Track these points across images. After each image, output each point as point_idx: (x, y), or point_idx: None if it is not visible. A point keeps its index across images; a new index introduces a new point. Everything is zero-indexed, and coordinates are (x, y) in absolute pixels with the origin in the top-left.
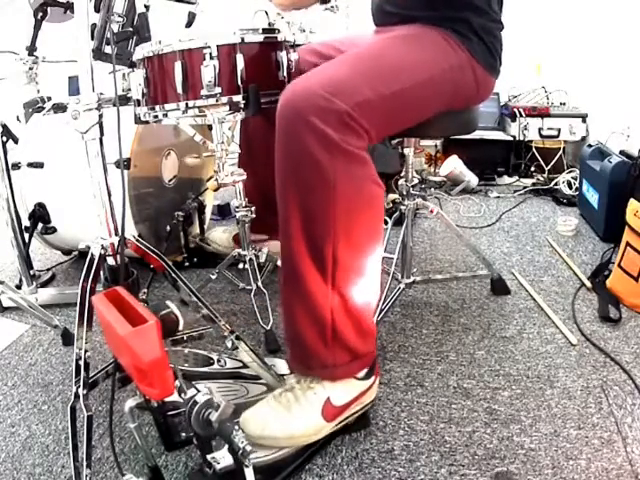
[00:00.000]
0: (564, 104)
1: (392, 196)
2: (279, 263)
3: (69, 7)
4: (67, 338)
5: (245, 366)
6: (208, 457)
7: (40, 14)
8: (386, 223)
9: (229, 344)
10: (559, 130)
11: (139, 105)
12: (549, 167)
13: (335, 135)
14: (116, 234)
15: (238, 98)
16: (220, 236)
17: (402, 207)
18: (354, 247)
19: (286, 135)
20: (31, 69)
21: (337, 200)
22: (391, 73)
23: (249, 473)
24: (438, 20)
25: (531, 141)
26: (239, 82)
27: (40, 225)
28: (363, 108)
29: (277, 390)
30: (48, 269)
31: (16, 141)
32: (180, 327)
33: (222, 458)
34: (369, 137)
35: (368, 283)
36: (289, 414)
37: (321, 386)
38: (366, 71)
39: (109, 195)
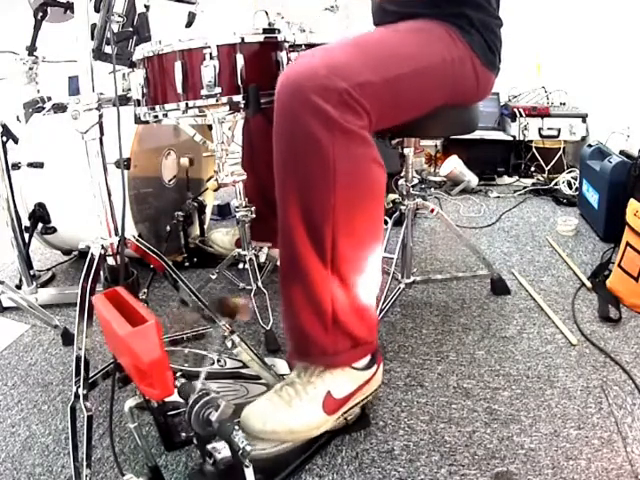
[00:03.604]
0: (564, 104)
1: (392, 196)
2: (279, 263)
3: (69, 7)
4: (67, 338)
5: (245, 366)
6: (208, 447)
7: (40, 14)
8: (386, 223)
9: (229, 344)
10: (559, 130)
11: (139, 105)
12: (549, 167)
13: (335, 113)
14: (116, 234)
15: (238, 98)
16: (222, 238)
17: (402, 207)
18: (354, 230)
19: (285, 114)
20: (31, 69)
21: (336, 181)
22: (393, 58)
23: (249, 473)
24: (438, 15)
25: (531, 141)
26: (239, 82)
27: (40, 225)
28: (364, 88)
29: (278, 385)
30: (48, 269)
31: (16, 141)
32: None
33: (223, 448)
34: (370, 118)
35: (369, 269)
36: (290, 409)
37: (321, 379)
38: (368, 54)
39: (109, 195)
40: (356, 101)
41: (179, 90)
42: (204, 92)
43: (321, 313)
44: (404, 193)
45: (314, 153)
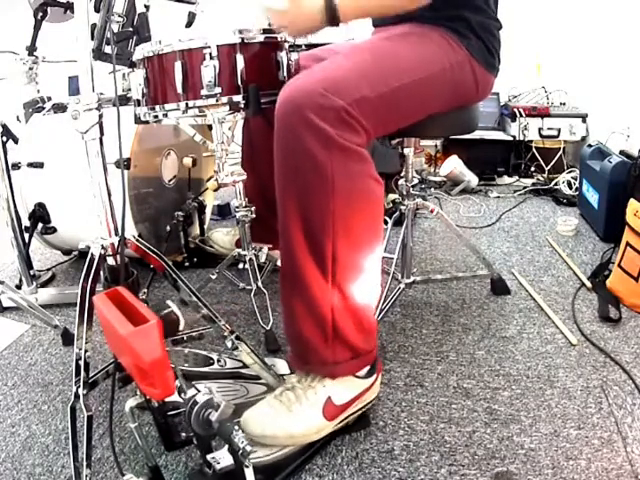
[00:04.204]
0: (564, 104)
1: (392, 196)
2: (279, 263)
3: (69, 7)
4: (67, 338)
5: (245, 366)
6: (208, 457)
7: (40, 14)
8: (386, 223)
9: (229, 344)
10: (559, 130)
11: (139, 105)
12: (549, 167)
13: (332, 131)
14: (116, 234)
15: (238, 98)
16: (222, 238)
17: (402, 207)
18: (354, 243)
19: (284, 132)
20: (31, 69)
21: (335, 196)
22: (390, 70)
23: (249, 473)
24: (437, 19)
25: (531, 141)
26: (239, 82)
27: (40, 225)
28: (361, 105)
29: (278, 389)
30: (48, 269)
31: (16, 141)
32: (181, 327)
33: (222, 458)
34: (367, 134)
35: (368, 280)
36: (290, 413)
37: (322, 385)
38: (364, 68)
39: (109, 195)
40: (354, 118)
41: (179, 90)
42: (204, 92)
43: (322, 324)
44: (404, 193)
45: (313, 169)
